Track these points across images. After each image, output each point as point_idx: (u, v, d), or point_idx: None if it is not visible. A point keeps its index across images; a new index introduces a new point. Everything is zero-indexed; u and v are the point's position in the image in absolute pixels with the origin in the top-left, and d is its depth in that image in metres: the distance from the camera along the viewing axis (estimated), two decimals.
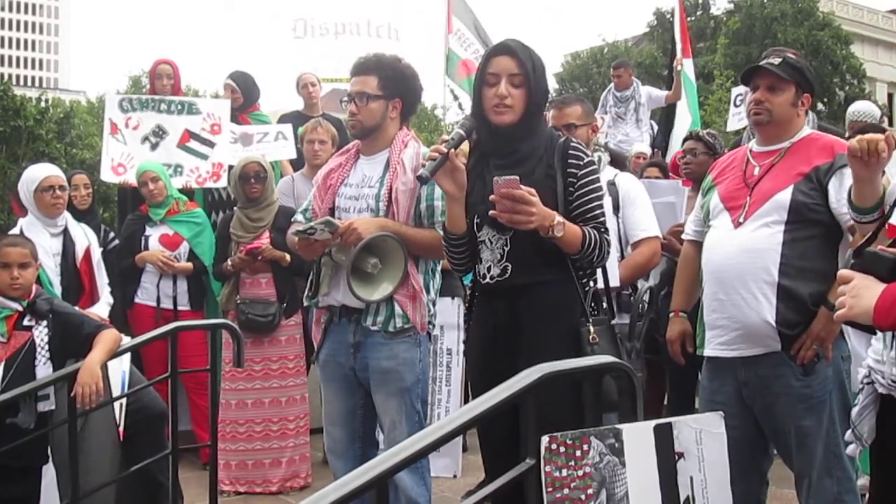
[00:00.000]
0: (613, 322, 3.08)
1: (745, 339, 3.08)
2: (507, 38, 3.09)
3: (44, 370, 3.71)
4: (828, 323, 2.97)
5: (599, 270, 3.14)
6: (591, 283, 3.04)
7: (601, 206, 3.04)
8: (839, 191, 3.00)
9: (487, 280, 3.00)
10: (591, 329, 2.90)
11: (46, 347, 3.73)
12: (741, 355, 3.10)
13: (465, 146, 3.12)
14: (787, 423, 3.06)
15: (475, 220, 3.02)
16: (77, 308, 4.33)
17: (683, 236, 3.70)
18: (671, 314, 3.56)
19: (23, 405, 3.63)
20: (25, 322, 3.76)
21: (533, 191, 2.77)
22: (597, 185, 3.04)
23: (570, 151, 3.01)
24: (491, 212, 2.79)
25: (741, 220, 3.11)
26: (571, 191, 2.98)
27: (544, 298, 2.93)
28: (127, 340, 4.41)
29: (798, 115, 3.19)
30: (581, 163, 3.00)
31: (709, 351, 3.20)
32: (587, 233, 2.92)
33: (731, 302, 3.09)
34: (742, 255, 3.07)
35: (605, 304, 3.11)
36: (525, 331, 2.94)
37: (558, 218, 2.83)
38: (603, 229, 3.00)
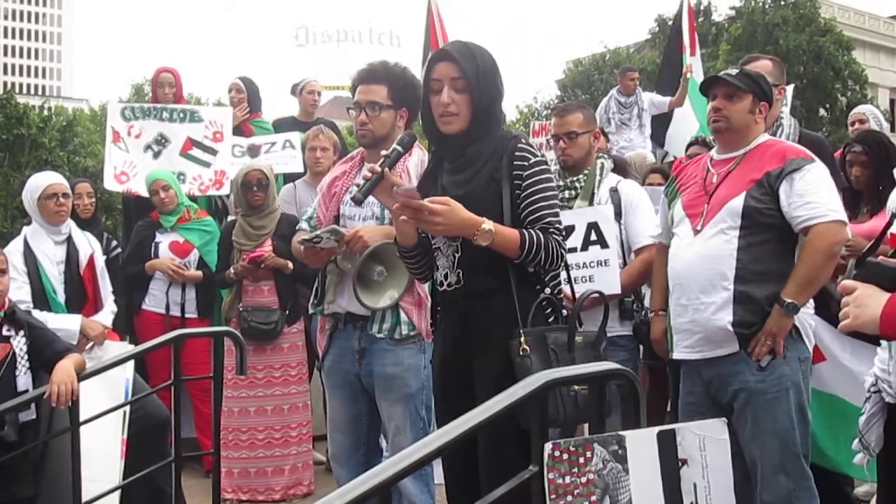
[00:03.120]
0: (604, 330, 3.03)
1: (706, 341, 3.21)
2: (451, 43, 3.04)
3: (24, 380, 3.69)
4: (780, 319, 3.10)
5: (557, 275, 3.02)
6: (547, 290, 2.93)
7: (551, 207, 2.91)
8: (790, 194, 3.11)
9: (445, 287, 2.97)
10: (522, 340, 2.78)
11: (26, 357, 3.71)
12: (704, 357, 3.23)
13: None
14: (745, 416, 3.17)
15: None
16: (60, 324, 4.33)
17: (649, 241, 3.89)
18: (651, 314, 3.70)
19: (7, 418, 3.61)
20: (4, 332, 3.72)
21: (446, 199, 2.73)
22: (546, 184, 2.92)
23: (517, 153, 2.91)
24: (401, 218, 2.79)
25: (699, 227, 3.23)
26: (518, 193, 2.89)
27: (492, 306, 2.87)
28: (132, 348, 4.42)
29: (756, 122, 3.31)
30: (526, 163, 2.90)
31: (676, 354, 3.34)
32: (527, 236, 2.80)
33: (693, 307, 3.22)
34: (700, 261, 3.20)
35: (564, 312, 2.97)
36: (474, 340, 2.90)
37: (485, 225, 2.74)
38: (552, 230, 2.86)
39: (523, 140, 3.00)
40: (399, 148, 2.91)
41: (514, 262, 2.84)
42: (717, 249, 3.16)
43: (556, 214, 2.92)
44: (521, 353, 2.78)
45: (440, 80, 2.91)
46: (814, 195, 3.09)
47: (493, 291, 2.87)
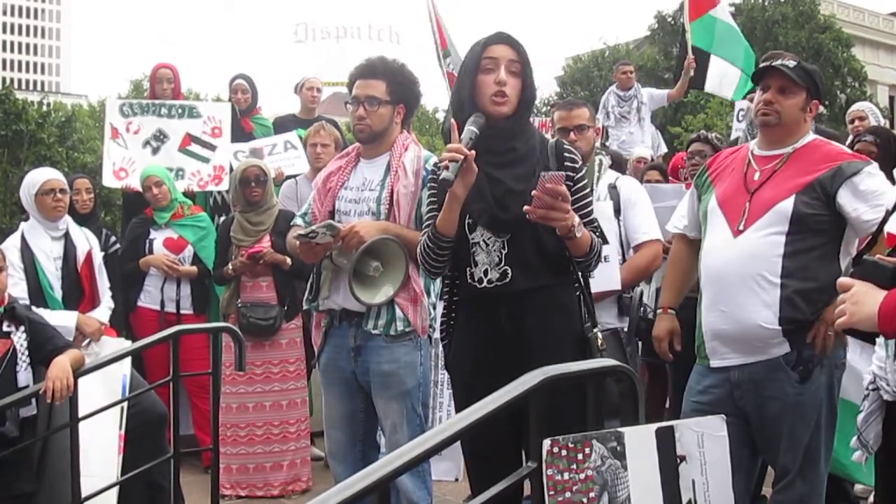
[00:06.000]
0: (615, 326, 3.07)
1: (746, 346, 3.07)
2: (496, 31, 2.98)
3: (25, 376, 3.69)
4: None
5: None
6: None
7: (593, 211, 3.03)
8: (853, 200, 2.97)
9: (484, 285, 2.89)
10: (600, 335, 2.86)
11: (26, 353, 3.70)
12: (743, 363, 3.09)
13: None
14: (778, 425, 3.06)
15: (467, 221, 2.90)
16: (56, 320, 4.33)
17: (670, 227, 3.64)
18: (659, 311, 3.50)
19: (8, 414, 3.61)
20: (4, 328, 3.71)
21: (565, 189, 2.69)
22: (589, 188, 3.01)
23: (566, 154, 2.95)
24: (526, 207, 2.69)
25: (741, 227, 3.08)
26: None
27: (549, 304, 2.87)
28: (128, 344, 4.41)
29: (805, 120, 3.17)
30: (577, 165, 2.95)
31: (715, 361, 3.15)
32: (592, 236, 2.87)
33: (732, 310, 3.07)
34: (742, 263, 3.05)
35: (593, 309, 3.03)
36: (531, 339, 2.84)
37: (577, 218, 2.78)
38: (598, 233, 2.95)
39: (564, 141, 3.06)
40: (475, 129, 2.80)
41: (576, 259, 2.88)
42: (762, 252, 3.02)
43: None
44: (599, 346, 2.83)
45: (497, 59, 2.88)
46: (880, 197, 2.95)
47: (543, 288, 2.87)
